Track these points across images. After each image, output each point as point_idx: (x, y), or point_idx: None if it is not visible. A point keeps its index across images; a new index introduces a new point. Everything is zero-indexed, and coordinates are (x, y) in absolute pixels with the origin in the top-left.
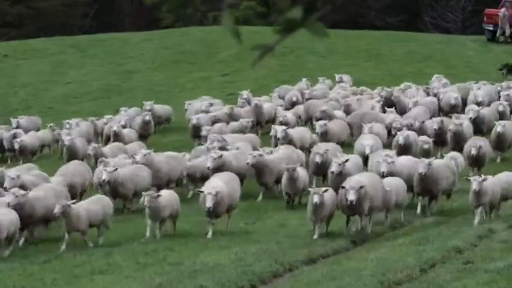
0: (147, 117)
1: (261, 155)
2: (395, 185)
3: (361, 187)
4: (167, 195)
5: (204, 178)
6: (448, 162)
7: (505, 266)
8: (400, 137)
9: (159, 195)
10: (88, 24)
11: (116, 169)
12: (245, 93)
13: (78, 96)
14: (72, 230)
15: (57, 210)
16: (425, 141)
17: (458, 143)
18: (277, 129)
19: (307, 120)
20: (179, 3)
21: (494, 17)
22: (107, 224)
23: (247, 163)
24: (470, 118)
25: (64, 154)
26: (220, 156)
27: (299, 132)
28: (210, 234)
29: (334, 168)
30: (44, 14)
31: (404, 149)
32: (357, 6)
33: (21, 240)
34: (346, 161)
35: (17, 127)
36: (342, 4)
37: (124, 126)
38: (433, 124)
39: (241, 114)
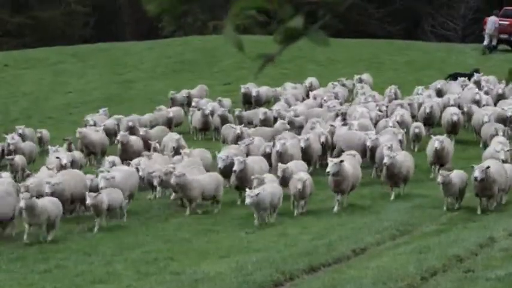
0: (131, 123)
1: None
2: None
3: (488, 167)
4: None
5: None
6: None
7: (506, 275)
8: None
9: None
10: (88, 34)
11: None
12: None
13: (78, 106)
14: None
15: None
16: (416, 126)
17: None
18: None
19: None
20: (179, 13)
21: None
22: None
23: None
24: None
25: None
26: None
27: None
28: (336, 209)
29: (386, 160)
30: (44, 24)
31: None
32: (358, 15)
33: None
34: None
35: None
36: (343, 13)
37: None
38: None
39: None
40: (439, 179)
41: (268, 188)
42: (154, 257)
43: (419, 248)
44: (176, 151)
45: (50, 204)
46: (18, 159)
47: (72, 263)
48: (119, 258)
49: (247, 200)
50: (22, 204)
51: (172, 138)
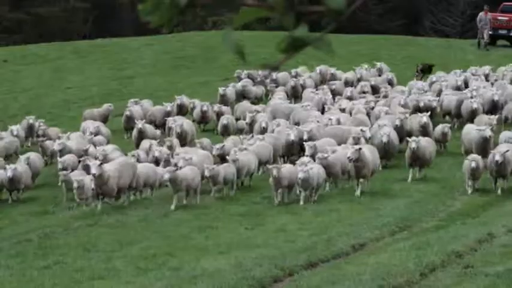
0: (128, 113)
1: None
2: None
3: (507, 151)
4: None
5: None
6: None
7: (505, 270)
8: None
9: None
10: (88, 30)
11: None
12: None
13: (78, 102)
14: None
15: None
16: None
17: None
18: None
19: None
20: (174, 12)
21: (493, 21)
22: None
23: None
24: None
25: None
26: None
27: None
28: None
29: (413, 145)
30: (44, 20)
31: None
32: (357, 10)
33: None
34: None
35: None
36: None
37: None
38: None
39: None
40: (473, 164)
41: (315, 168)
42: (153, 253)
43: (419, 244)
44: (180, 137)
45: (189, 173)
46: (48, 143)
47: (71, 259)
48: (118, 254)
49: (300, 175)
50: (166, 177)
51: (177, 124)
